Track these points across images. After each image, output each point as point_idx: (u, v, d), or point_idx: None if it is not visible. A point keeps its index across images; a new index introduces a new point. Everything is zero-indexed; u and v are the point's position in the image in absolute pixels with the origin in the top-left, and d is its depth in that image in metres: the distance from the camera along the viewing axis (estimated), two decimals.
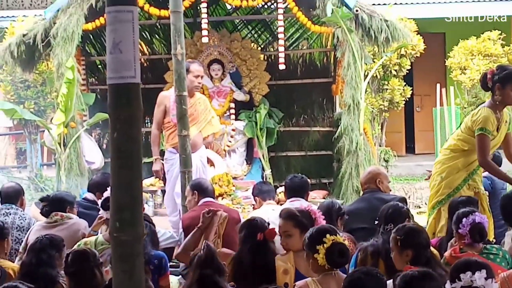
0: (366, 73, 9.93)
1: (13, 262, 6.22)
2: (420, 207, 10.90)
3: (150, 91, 9.87)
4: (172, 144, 8.55)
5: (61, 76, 9.48)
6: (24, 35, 9.83)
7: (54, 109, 12.52)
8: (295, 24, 11.56)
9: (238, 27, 11.86)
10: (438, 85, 14.15)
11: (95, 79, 11.77)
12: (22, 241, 6.82)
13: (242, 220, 6.79)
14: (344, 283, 4.32)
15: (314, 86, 11.42)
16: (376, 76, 13.54)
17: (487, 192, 7.08)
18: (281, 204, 7.68)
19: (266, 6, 11.67)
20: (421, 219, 7.86)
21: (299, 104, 11.49)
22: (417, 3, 16.84)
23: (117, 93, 3.21)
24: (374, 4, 11.91)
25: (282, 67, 10.21)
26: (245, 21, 11.90)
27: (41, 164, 15.15)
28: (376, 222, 5.91)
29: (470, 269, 3.94)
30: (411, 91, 14.58)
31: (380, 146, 14.20)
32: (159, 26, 11.67)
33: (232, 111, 10.77)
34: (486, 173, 7.38)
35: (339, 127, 9.73)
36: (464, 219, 5.47)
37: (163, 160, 8.83)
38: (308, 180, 7.51)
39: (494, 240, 6.34)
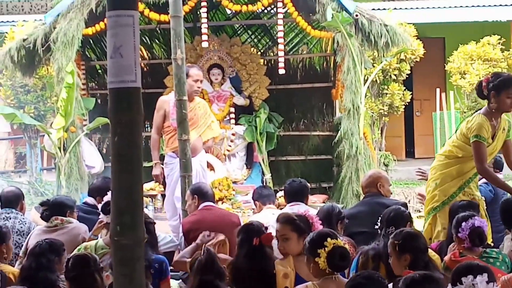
0: (366, 78, 9.93)
1: (13, 266, 6.21)
2: (420, 211, 10.88)
3: (150, 95, 9.87)
4: (171, 149, 8.56)
5: (61, 81, 9.49)
6: (24, 40, 9.84)
7: (54, 113, 12.51)
8: (295, 29, 11.56)
9: (238, 32, 11.87)
10: (437, 90, 14.15)
11: (95, 84, 11.76)
12: (22, 245, 6.82)
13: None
14: (345, 287, 4.33)
15: (314, 91, 11.42)
16: (376, 80, 13.55)
17: (483, 197, 7.07)
18: (281, 209, 7.68)
19: (266, 11, 11.67)
20: (421, 223, 7.85)
21: (299, 108, 11.49)
22: (417, 8, 16.86)
23: (118, 97, 3.22)
24: (373, 9, 11.94)
25: (282, 71, 10.22)
26: (245, 26, 11.90)
27: (41, 168, 15.14)
28: (377, 226, 5.93)
29: (472, 272, 3.95)
30: (411, 95, 14.59)
31: (380, 150, 14.20)
32: (159, 31, 11.67)
33: (232, 115, 10.78)
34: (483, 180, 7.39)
35: (339, 131, 9.73)
36: (463, 223, 5.49)
37: (162, 164, 8.83)
38: (308, 184, 7.50)
39: (493, 245, 6.34)
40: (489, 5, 16.75)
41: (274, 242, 5.70)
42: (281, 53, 10.28)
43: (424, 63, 14.61)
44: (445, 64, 15.16)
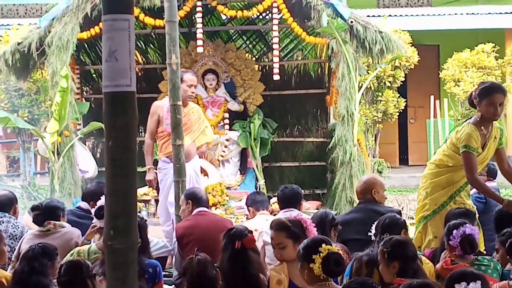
0: (360, 84, 9.94)
1: (6, 270, 6.19)
2: (413, 218, 10.89)
3: (145, 100, 9.85)
4: (165, 154, 8.55)
5: (56, 85, 9.47)
6: (18, 44, 9.82)
7: (48, 117, 12.50)
8: (289, 35, 11.56)
9: (233, 38, 11.87)
10: (432, 97, 14.21)
11: (90, 88, 11.74)
12: (15, 249, 6.79)
13: None
14: None
15: (308, 97, 11.42)
16: (370, 87, 13.58)
17: (475, 206, 7.06)
18: (274, 215, 7.67)
19: (261, 17, 11.67)
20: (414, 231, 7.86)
21: (293, 114, 11.48)
22: (412, 15, 16.92)
23: (113, 101, 3.22)
24: (368, 16, 11.95)
25: (276, 77, 10.22)
26: (240, 32, 11.90)
27: (34, 172, 15.12)
28: (370, 233, 5.92)
29: (466, 279, 3.96)
30: (405, 102, 14.62)
31: (373, 157, 14.22)
32: (154, 36, 11.67)
33: (226, 121, 10.77)
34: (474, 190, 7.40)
35: (333, 138, 9.73)
36: (454, 231, 5.50)
37: (156, 169, 8.83)
38: (301, 190, 7.47)
39: (485, 253, 6.34)
40: (484, 13, 16.82)
41: (269, 249, 5.70)
42: (276, 59, 10.28)
43: (418, 70, 14.64)
44: (439, 72, 15.20)
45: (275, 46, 10.26)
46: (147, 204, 9.66)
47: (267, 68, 11.34)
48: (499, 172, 7.40)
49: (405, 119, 17.91)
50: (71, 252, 6.07)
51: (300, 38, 10.65)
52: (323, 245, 4.90)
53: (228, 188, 9.96)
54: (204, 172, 9.66)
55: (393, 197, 12.73)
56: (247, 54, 11.37)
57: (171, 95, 7.48)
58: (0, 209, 7.34)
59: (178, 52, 7.47)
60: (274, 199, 8.52)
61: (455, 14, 16.82)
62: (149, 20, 10.13)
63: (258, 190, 10.16)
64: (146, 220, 6.16)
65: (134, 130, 3.26)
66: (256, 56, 11.74)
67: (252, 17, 11.21)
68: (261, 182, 10.59)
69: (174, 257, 7.10)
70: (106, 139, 3.20)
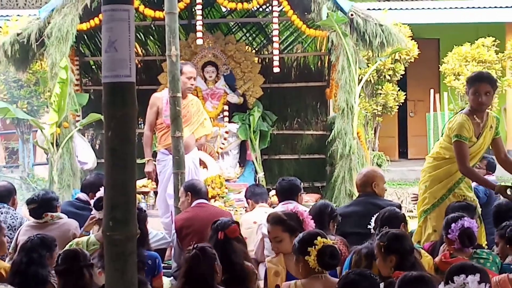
0: (360, 78, 9.92)
1: (4, 261, 6.19)
2: (412, 211, 10.92)
3: (144, 92, 9.83)
4: (164, 145, 8.56)
5: (55, 76, 9.45)
6: (18, 35, 9.79)
7: (47, 109, 12.49)
8: (289, 28, 11.55)
9: (233, 30, 11.85)
10: (431, 91, 14.19)
11: (89, 80, 11.73)
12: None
13: None
14: (338, 285, 4.36)
15: (308, 90, 11.41)
16: (370, 80, 13.56)
17: (477, 199, 7.05)
18: (273, 207, 7.69)
19: (261, 9, 11.64)
20: (413, 223, 7.86)
21: (292, 107, 11.47)
22: (412, 8, 16.89)
23: (112, 92, 3.21)
24: (369, 9, 11.92)
25: (276, 70, 10.21)
26: (240, 24, 11.88)
27: (33, 164, 15.11)
28: (369, 226, 5.92)
29: (465, 272, 3.97)
30: (405, 96, 14.61)
31: (373, 150, 14.21)
32: (153, 28, 11.65)
33: (226, 113, 10.76)
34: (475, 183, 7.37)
35: (333, 130, 9.72)
36: (453, 224, 5.50)
37: (155, 161, 8.82)
38: (298, 182, 7.49)
39: (487, 247, 6.34)
40: (484, 7, 16.80)
41: (268, 241, 5.71)
42: (275, 52, 10.27)
43: (418, 64, 14.63)
44: (440, 65, 15.18)
45: (275, 38, 10.24)
46: (146, 196, 9.65)
47: (266, 60, 11.32)
48: (498, 166, 7.40)
49: (405, 112, 17.90)
50: (70, 243, 6.07)
51: (300, 30, 10.65)
52: (319, 237, 4.93)
53: (227, 180, 9.96)
54: (203, 164, 9.66)
55: (393, 191, 12.74)
56: (247, 47, 11.35)
57: (170, 87, 7.47)
58: None
59: (178, 44, 7.45)
60: (273, 192, 8.52)
61: (456, 7, 16.80)
62: (149, 12, 10.12)
63: (257, 182, 10.17)
64: (145, 211, 6.16)
65: (134, 121, 3.25)
66: (256, 49, 11.73)
67: (252, 9, 11.18)
68: (260, 174, 10.59)
69: (173, 249, 7.11)
70: (106, 129, 3.19)
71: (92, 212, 6.62)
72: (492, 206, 6.92)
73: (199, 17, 10.12)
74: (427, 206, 6.87)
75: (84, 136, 10.75)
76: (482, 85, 6.63)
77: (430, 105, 14.15)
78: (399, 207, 6.67)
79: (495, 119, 6.83)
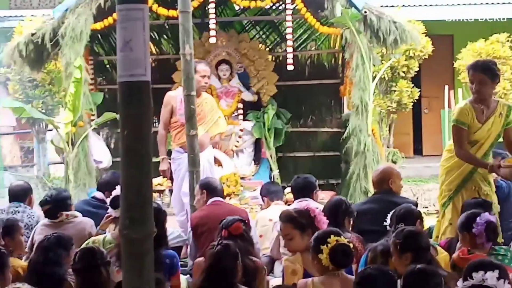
0: (374, 75, 9.90)
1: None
2: (427, 208, 10.91)
3: (158, 91, 9.83)
4: (179, 144, 8.58)
5: (69, 76, 9.47)
6: (32, 35, 9.82)
7: (62, 108, 12.53)
8: (303, 25, 11.54)
9: (246, 28, 11.85)
10: (446, 87, 14.12)
11: (103, 79, 11.76)
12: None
13: (250, 221, 6.82)
14: (355, 280, 4.39)
15: (322, 87, 11.40)
16: (384, 77, 13.54)
17: (494, 194, 7.00)
18: (289, 205, 7.69)
19: (274, 7, 11.62)
20: (429, 220, 7.85)
21: (307, 105, 11.47)
22: (425, 5, 16.81)
23: (128, 91, 3.21)
24: (382, 6, 11.88)
25: (290, 68, 10.20)
26: (253, 22, 11.89)
27: (48, 163, 15.16)
28: (385, 223, 5.91)
29: (484, 268, 3.96)
30: (419, 93, 14.57)
31: (388, 147, 14.19)
32: (167, 26, 11.66)
33: (240, 111, 10.76)
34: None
35: (347, 128, 9.71)
36: (477, 219, 5.45)
37: (170, 159, 8.84)
38: (313, 179, 7.51)
39: (503, 243, 6.32)
40: (498, 3, 16.72)
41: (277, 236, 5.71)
42: (289, 49, 10.26)
43: (432, 60, 14.59)
44: (454, 62, 15.12)
45: (289, 36, 10.23)
46: (161, 195, 9.66)
47: (280, 58, 11.32)
48: None
49: (419, 109, 17.82)
50: (86, 242, 6.09)
51: (313, 28, 10.64)
52: (332, 236, 4.94)
53: (242, 178, 9.95)
54: (218, 162, 9.67)
55: (408, 187, 12.69)
56: (260, 45, 11.36)
57: (185, 86, 7.48)
58: (16, 199, 7.39)
59: (192, 42, 7.47)
60: (288, 189, 8.52)
61: (470, 4, 16.71)
62: (162, 11, 10.13)
63: (272, 180, 10.17)
64: (163, 210, 6.16)
65: (149, 120, 3.26)
66: (270, 47, 11.74)
67: (266, 7, 11.17)
68: (275, 172, 10.60)
69: (189, 247, 7.12)
70: (121, 128, 3.20)
71: (108, 211, 6.64)
72: (510, 203, 6.89)
73: (212, 16, 10.12)
74: (445, 200, 6.88)
75: (99, 135, 10.78)
76: (475, 74, 6.67)
77: (445, 102, 14.08)
78: (416, 204, 6.65)
79: (505, 107, 6.79)
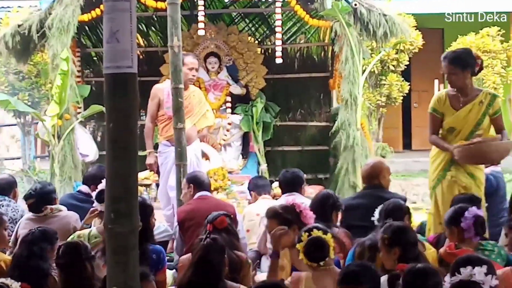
0: (364, 68, 9.89)
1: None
2: (415, 203, 10.90)
3: (146, 83, 9.79)
4: (166, 137, 8.52)
5: (56, 68, 9.41)
6: (19, 26, 9.76)
7: (48, 100, 12.44)
8: (292, 18, 11.50)
9: (236, 20, 11.80)
10: (436, 81, 14.12)
11: (90, 71, 11.70)
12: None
13: (238, 215, 6.78)
14: (339, 276, 4.39)
15: (311, 81, 11.37)
16: (374, 71, 13.49)
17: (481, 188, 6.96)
18: (276, 199, 7.68)
19: (264, 0, 11.60)
20: (417, 215, 7.83)
21: (295, 98, 11.44)
22: None
23: (114, 83, 3.18)
24: None
25: (279, 61, 10.21)
26: (242, 14, 11.83)
27: (34, 156, 15.08)
28: (373, 218, 5.88)
29: (471, 264, 3.96)
30: (409, 86, 14.54)
31: (377, 141, 14.17)
32: (155, 18, 11.59)
33: (229, 104, 10.72)
34: (488, 170, 7.29)
35: (336, 122, 9.70)
36: (466, 213, 5.44)
37: (156, 153, 8.78)
38: (301, 174, 7.51)
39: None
40: None
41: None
42: (278, 42, 10.24)
43: (422, 54, 14.56)
44: None
45: (278, 29, 10.22)
46: (148, 188, 9.61)
47: (269, 51, 11.27)
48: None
49: (409, 103, 17.83)
50: (72, 236, 6.03)
51: (303, 21, 10.62)
52: (303, 233, 4.95)
53: (230, 172, 9.90)
54: (205, 156, 9.62)
55: (397, 182, 12.67)
56: (249, 37, 11.30)
57: (172, 78, 7.42)
58: (0, 192, 7.31)
59: (180, 34, 7.42)
60: (276, 184, 8.49)
61: None
62: (150, 2, 10.07)
63: (260, 174, 10.14)
64: (149, 205, 6.09)
65: (135, 112, 3.22)
66: (259, 39, 11.68)
67: (255, 0, 11.15)
68: (263, 166, 10.56)
69: (175, 241, 7.07)
70: (107, 121, 3.16)
71: (94, 205, 6.58)
72: (499, 198, 6.87)
73: (201, 8, 10.09)
74: (430, 190, 6.92)
75: (86, 128, 10.72)
76: (445, 65, 6.79)
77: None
78: (405, 200, 6.63)
79: (489, 96, 6.77)
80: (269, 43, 11.61)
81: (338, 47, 9.71)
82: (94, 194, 6.66)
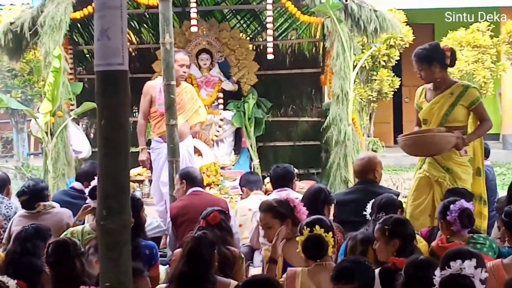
0: (355, 64, 9.92)
1: None
2: (406, 197, 10.90)
3: (138, 80, 9.81)
4: (158, 133, 8.55)
5: (48, 65, 9.40)
6: (11, 24, 9.74)
7: (41, 98, 12.45)
8: (284, 14, 11.50)
9: (227, 17, 11.79)
10: None
11: (83, 69, 11.69)
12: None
13: (230, 210, 6.81)
14: (332, 272, 4.38)
15: (302, 76, 11.40)
16: (365, 66, 13.53)
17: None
18: (268, 194, 7.69)
19: None
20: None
21: (287, 94, 11.47)
22: None
23: (105, 80, 3.19)
24: None
25: (270, 57, 10.22)
26: (234, 11, 11.82)
27: (27, 153, 15.08)
28: (365, 212, 5.91)
29: (461, 257, 3.97)
30: (400, 82, 14.58)
31: (368, 136, 14.22)
32: (147, 15, 11.59)
33: (221, 101, 10.74)
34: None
35: (328, 117, 9.71)
36: (451, 206, 5.48)
37: (149, 149, 8.80)
38: (292, 169, 7.52)
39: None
40: None
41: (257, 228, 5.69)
42: (270, 39, 10.26)
43: (413, 49, 14.26)
44: None
45: (269, 25, 10.22)
46: (141, 185, 9.64)
47: (261, 47, 11.29)
48: (493, 151, 7.39)
49: (400, 98, 17.85)
50: (65, 232, 6.05)
51: (294, 17, 10.63)
52: (305, 227, 4.97)
53: (222, 168, 9.95)
54: (198, 152, 9.64)
55: (388, 176, 12.73)
56: (241, 34, 11.32)
57: (164, 75, 7.44)
58: None
59: (172, 31, 7.44)
60: (268, 179, 8.52)
61: None
62: (142, 0, 10.07)
63: (252, 170, 10.16)
64: (139, 200, 6.13)
65: (127, 109, 3.23)
66: (250, 36, 11.69)
67: None
68: (256, 162, 10.59)
69: (168, 237, 7.10)
70: (98, 118, 3.17)
71: (87, 201, 6.59)
72: (490, 190, 6.91)
73: (193, 4, 10.10)
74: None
75: (79, 125, 10.72)
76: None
77: None
78: (398, 195, 6.66)
79: (461, 87, 6.84)
80: (260, 39, 11.62)
81: (329, 43, 9.72)
82: (87, 190, 6.67)
